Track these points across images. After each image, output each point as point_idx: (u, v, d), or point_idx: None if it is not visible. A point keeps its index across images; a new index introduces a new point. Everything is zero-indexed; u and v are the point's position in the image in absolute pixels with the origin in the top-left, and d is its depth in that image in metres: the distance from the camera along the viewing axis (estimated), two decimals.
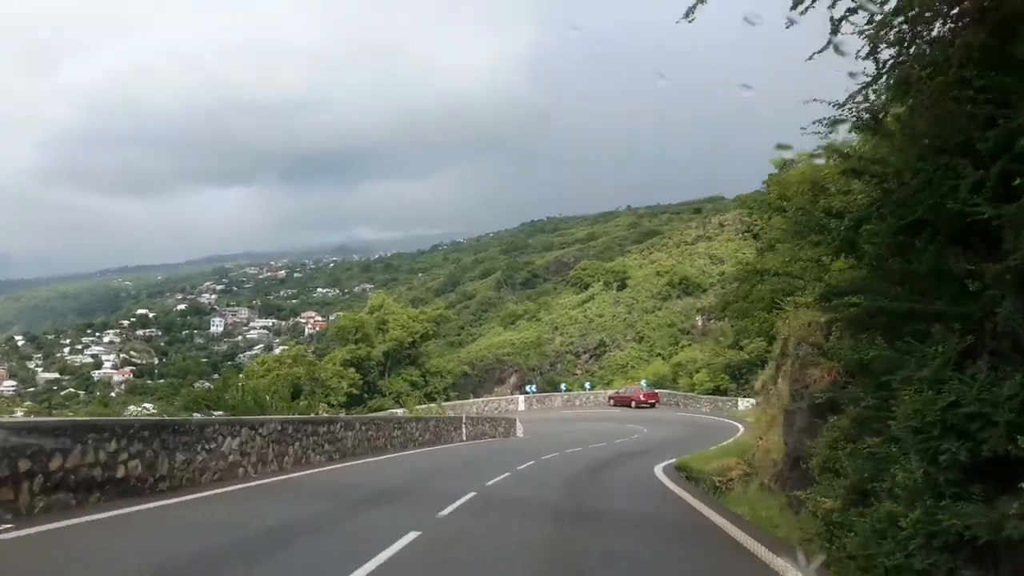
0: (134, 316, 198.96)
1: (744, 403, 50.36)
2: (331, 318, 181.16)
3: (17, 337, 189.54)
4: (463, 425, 30.78)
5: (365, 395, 63.09)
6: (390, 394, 64.43)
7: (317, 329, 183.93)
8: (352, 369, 65.64)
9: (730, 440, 34.27)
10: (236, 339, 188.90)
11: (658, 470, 21.66)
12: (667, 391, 60.94)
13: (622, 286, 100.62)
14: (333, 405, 50.78)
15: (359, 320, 74.24)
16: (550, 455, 24.62)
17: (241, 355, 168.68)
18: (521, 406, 57.75)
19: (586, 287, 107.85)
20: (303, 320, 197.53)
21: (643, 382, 63.59)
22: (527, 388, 63.62)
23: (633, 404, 56.58)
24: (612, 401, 59.20)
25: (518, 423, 39.74)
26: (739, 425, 42.93)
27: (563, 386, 66.28)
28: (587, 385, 67.29)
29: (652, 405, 56.72)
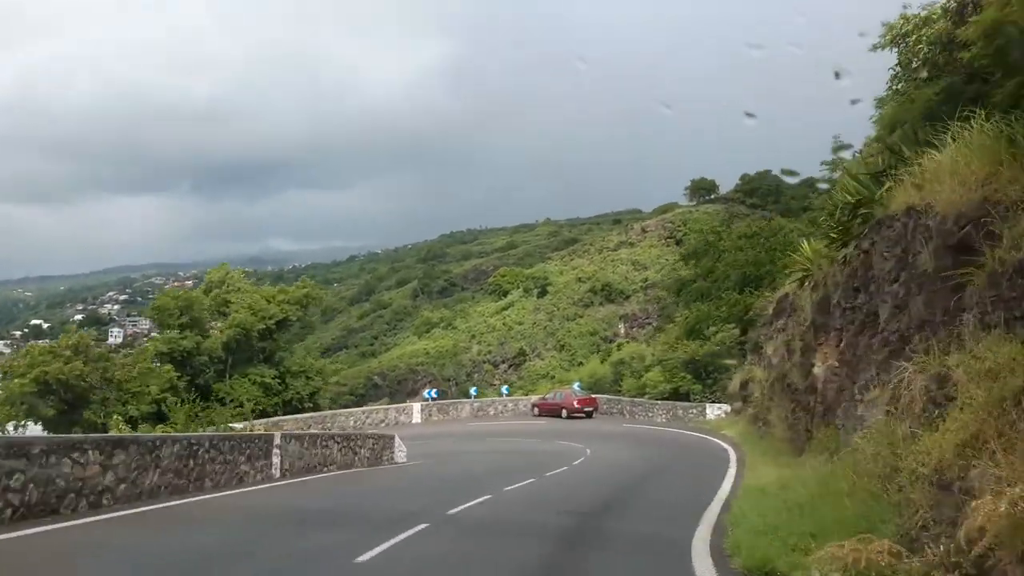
0: (27, 327, 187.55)
1: (714, 410, 37.20)
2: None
3: None
4: (275, 450, 16.04)
5: (193, 402, 45.26)
6: (232, 401, 44.48)
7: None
8: (170, 366, 46.87)
9: (730, 470, 20.77)
10: (134, 351, 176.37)
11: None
12: (608, 396, 47.73)
13: (542, 293, 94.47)
14: (132, 420, 35.71)
15: (187, 299, 54.17)
16: (405, 533, 9.79)
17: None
18: (416, 417, 43.07)
19: (505, 294, 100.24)
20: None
21: (576, 385, 50.15)
22: (426, 394, 49.25)
23: (564, 413, 43.14)
24: (537, 410, 45.69)
25: (397, 443, 25.05)
26: (720, 442, 29.13)
27: (473, 391, 51.06)
28: (504, 390, 53.35)
29: (589, 414, 43.24)
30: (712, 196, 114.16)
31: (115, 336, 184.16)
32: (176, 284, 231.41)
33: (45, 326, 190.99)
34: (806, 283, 20.49)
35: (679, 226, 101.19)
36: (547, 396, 48.28)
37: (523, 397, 51.13)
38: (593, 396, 46.67)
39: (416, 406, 43.41)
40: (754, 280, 41.30)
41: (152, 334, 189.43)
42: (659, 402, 42.34)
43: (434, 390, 48.85)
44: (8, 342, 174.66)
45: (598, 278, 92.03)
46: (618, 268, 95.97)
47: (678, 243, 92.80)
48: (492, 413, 46.47)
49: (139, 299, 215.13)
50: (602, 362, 56.19)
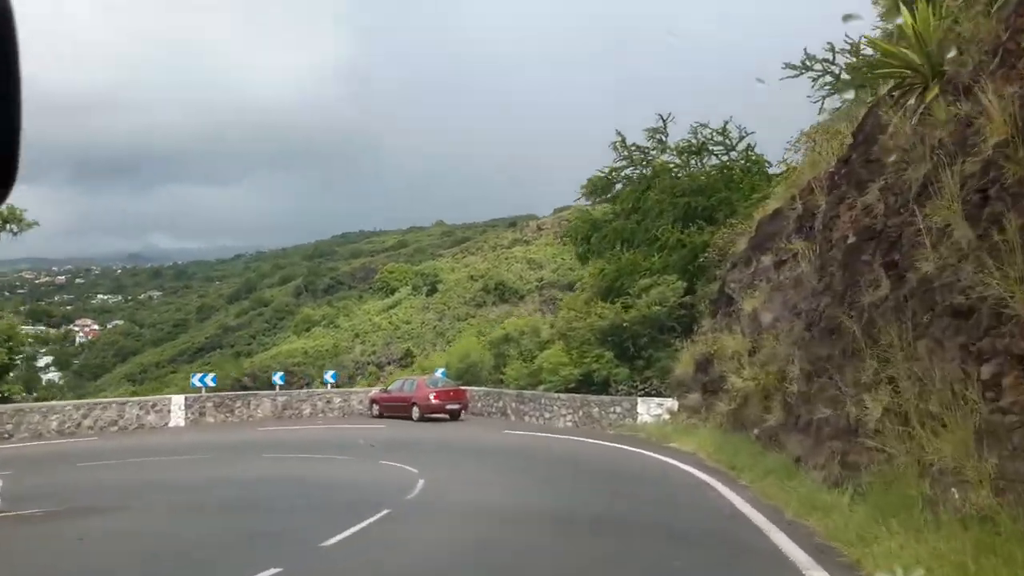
0: None
1: (650, 407, 22.28)
2: (109, 326, 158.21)
3: None
4: None
5: None
6: None
7: (90, 338, 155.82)
8: None
9: None
10: None
11: None
12: (485, 389, 32.23)
13: (432, 291, 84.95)
14: None
15: None
16: None
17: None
18: (176, 417, 27.00)
19: (392, 292, 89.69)
20: (76, 328, 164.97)
21: (440, 372, 34.16)
22: (194, 379, 31.13)
23: (416, 413, 28.45)
24: (376, 407, 30.83)
25: None
26: (687, 468, 13.97)
27: (279, 377, 33.20)
28: (331, 377, 34.68)
29: (454, 414, 28.45)
30: (610, 195, 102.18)
31: None
32: (48, 279, 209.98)
33: None
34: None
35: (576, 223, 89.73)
36: (391, 387, 31.76)
37: (361, 389, 34.93)
38: (461, 388, 30.86)
39: (178, 400, 27.21)
40: (704, 213, 27.09)
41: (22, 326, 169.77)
42: (562, 396, 26.70)
43: (208, 375, 31.50)
44: None
45: (491, 276, 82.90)
46: (512, 267, 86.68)
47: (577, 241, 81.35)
48: (307, 412, 30.57)
49: (6, 293, 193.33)
50: (478, 340, 40.78)
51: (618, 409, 23.74)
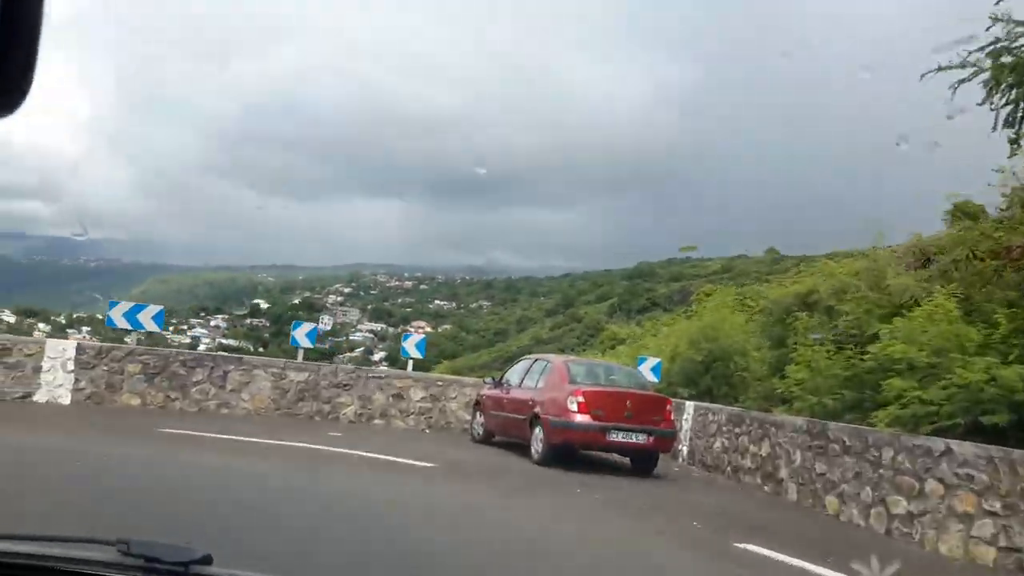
0: (248, 306, 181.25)
1: None
2: (439, 329, 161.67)
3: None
4: None
5: None
6: None
7: (421, 337, 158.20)
8: None
9: None
10: (340, 339, 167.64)
11: None
12: (715, 409, 12.48)
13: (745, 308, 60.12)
14: None
15: None
16: None
17: (340, 355, 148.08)
18: (54, 386, 11.82)
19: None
20: (411, 328, 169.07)
21: (649, 364, 15.50)
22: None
23: (540, 444, 11.20)
24: (481, 420, 13.57)
25: None
26: None
27: (320, 324, 17.88)
28: (415, 348, 16.03)
29: (644, 460, 11.30)
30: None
31: (325, 324, 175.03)
32: (397, 283, 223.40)
33: (264, 306, 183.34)
34: None
35: (939, 250, 64.83)
36: (508, 376, 13.42)
37: (471, 381, 15.39)
38: (656, 395, 12.34)
39: (64, 348, 13.05)
40: None
41: (357, 325, 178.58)
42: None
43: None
44: (227, 317, 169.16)
45: (820, 289, 57.11)
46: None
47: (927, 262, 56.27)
48: (345, 414, 13.63)
49: (361, 293, 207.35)
50: (735, 308, 17.33)
51: None
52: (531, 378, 12.34)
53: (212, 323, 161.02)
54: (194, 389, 13.62)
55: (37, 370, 12.45)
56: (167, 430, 11.18)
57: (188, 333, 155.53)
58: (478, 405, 13.70)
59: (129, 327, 13.50)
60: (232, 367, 13.89)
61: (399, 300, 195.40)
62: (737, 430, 12.18)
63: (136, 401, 13.18)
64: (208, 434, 11.14)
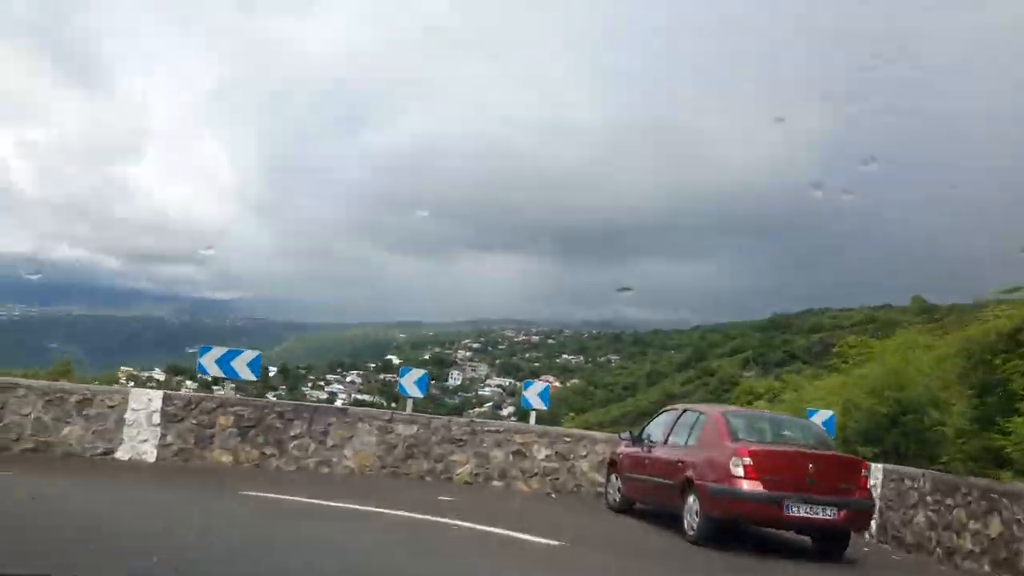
0: (380, 361, 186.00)
1: None
2: (568, 383, 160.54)
3: (272, 368, 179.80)
4: None
5: None
6: None
7: (544, 385, 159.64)
8: None
9: None
10: (469, 394, 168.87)
11: None
12: (918, 474, 9.46)
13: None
14: None
15: None
16: None
17: (470, 410, 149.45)
18: (138, 441, 10.55)
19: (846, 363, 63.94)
20: (540, 383, 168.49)
21: (820, 416, 12.54)
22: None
23: (696, 515, 8.81)
24: (617, 483, 11.23)
25: None
26: None
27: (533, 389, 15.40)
28: (537, 397, 13.51)
29: (836, 540, 8.77)
30: None
31: (454, 379, 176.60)
32: (524, 338, 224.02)
33: (396, 362, 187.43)
34: None
35: None
36: (648, 431, 11.07)
37: (603, 437, 13.05)
38: (854, 458, 9.79)
39: (151, 399, 11.06)
40: None
41: (486, 380, 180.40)
42: None
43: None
44: (360, 373, 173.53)
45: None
46: None
47: None
48: (462, 460, 11.67)
49: (489, 348, 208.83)
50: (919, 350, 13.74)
51: None
52: (679, 433, 10.03)
53: (348, 379, 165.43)
54: (292, 444, 12.04)
55: (120, 423, 11.17)
56: (251, 492, 9.54)
57: (325, 389, 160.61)
58: (613, 465, 11.46)
59: (222, 375, 12.12)
60: (333, 420, 12.24)
61: (527, 355, 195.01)
62: (949, 501, 9.42)
63: (228, 458, 11.69)
64: (296, 498, 9.41)
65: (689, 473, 9.19)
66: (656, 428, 10.86)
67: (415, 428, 12.58)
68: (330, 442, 12.20)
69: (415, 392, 13.46)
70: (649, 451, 10.52)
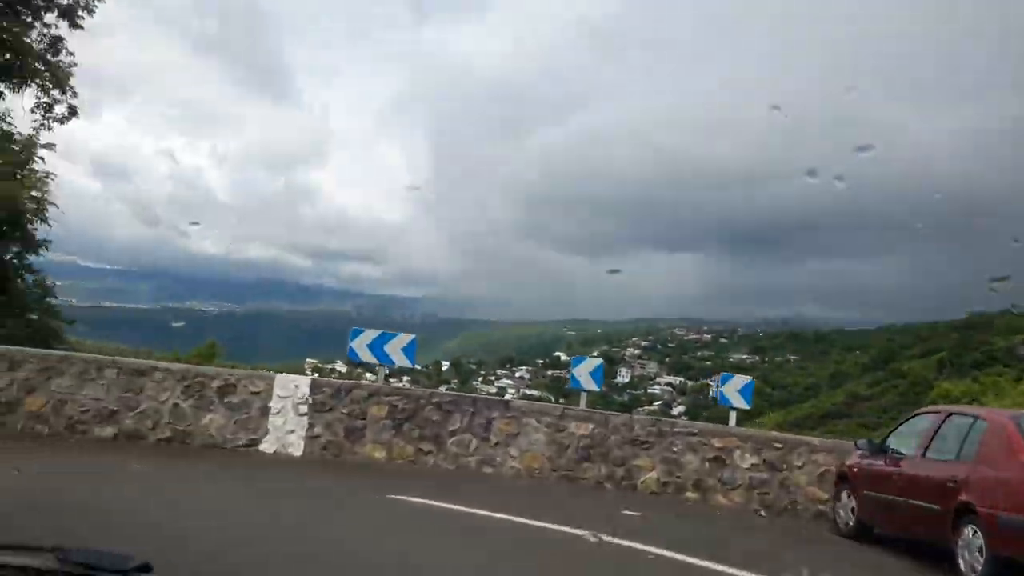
0: (548, 358, 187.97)
1: None
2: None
3: (444, 363, 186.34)
4: None
5: None
6: None
7: (748, 380, 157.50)
8: None
9: None
10: (638, 392, 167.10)
11: None
12: None
13: None
14: None
15: None
16: None
17: (638, 409, 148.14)
18: (283, 432, 9.44)
19: None
20: (711, 383, 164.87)
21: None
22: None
23: (980, 555, 6.32)
24: (852, 504, 8.74)
25: None
26: None
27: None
28: (727, 388, 12.17)
29: None
30: None
31: (623, 376, 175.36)
32: (695, 336, 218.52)
33: (563, 358, 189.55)
34: None
35: None
36: (891, 441, 8.64)
37: (816, 444, 10.48)
38: None
39: (297, 385, 9.61)
40: None
41: (656, 378, 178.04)
42: None
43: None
44: (529, 368, 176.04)
45: None
46: None
47: None
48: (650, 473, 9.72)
49: (658, 346, 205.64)
50: None
51: None
52: (945, 444, 7.56)
53: (517, 374, 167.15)
54: (451, 440, 10.48)
55: (265, 412, 10.01)
56: (399, 497, 7.99)
57: (495, 383, 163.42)
58: (845, 481, 9.04)
59: (375, 361, 10.75)
60: (496, 414, 10.58)
61: (698, 353, 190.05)
62: None
63: (381, 453, 10.29)
64: (453, 506, 7.78)
65: (966, 497, 6.74)
66: (907, 436, 8.38)
67: (591, 426, 10.69)
68: (493, 439, 10.55)
69: (590, 385, 11.58)
70: (897, 465, 8.09)
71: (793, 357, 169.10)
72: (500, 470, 10.44)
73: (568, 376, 12.29)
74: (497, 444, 10.53)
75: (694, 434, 10.97)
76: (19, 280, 15.76)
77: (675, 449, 10.71)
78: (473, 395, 12.66)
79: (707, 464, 10.66)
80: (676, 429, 11.02)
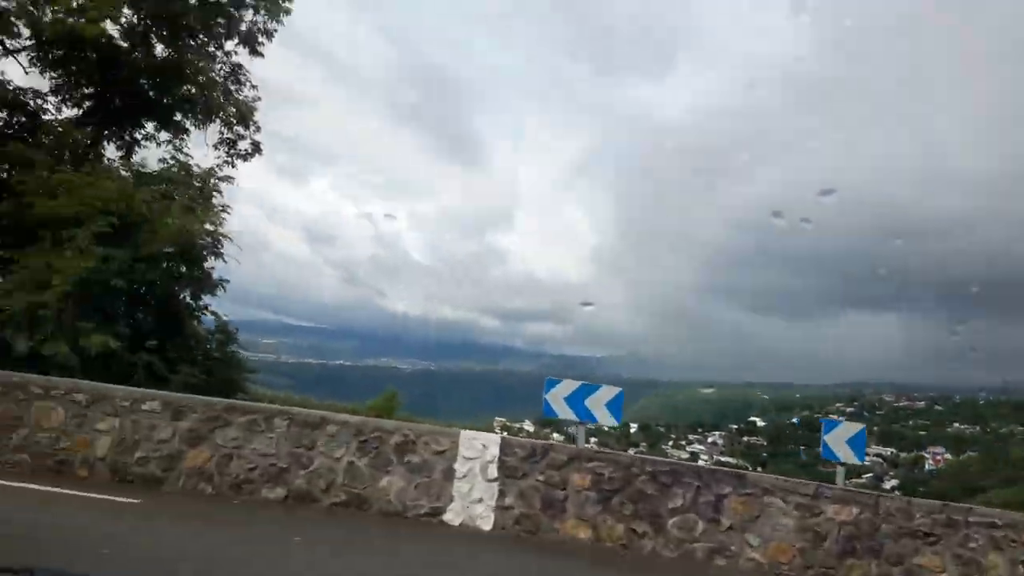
0: (744, 423, 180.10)
1: None
2: (962, 457, 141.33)
3: (632, 425, 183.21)
4: None
5: None
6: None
7: (937, 466, 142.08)
8: None
9: None
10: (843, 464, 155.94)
11: None
12: None
13: None
14: None
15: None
16: None
17: (844, 481, 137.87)
18: (469, 500, 7.49)
19: None
20: (926, 455, 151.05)
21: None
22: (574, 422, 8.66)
23: None
24: None
25: None
26: None
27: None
28: None
29: None
30: None
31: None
32: (906, 403, 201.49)
33: (760, 423, 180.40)
34: None
35: None
36: None
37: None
38: None
39: (485, 445, 8.02)
40: None
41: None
42: None
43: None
44: (723, 434, 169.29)
45: None
46: None
47: None
48: None
49: (864, 413, 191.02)
50: None
51: None
52: None
53: (709, 439, 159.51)
54: (671, 521, 8.40)
55: (449, 476, 8.41)
56: None
57: (687, 448, 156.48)
58: None
59: (573, 417, 8.92)
60: (729, 490, 8.40)
61: (910, 422, 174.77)
62: None
63: (585, 533, 8.38)
64: None
65: None
66: None
67: (854, 510, 8.25)
68: (726, 521, 8.36)
69: (849, 456, 9.14)
70: None
71: (1020, 428, 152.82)
72: (736, 562, 8.21)
73: (792, 452, 9.94)
74: (731, 528, 8.32)
75: (996, 525, 8.23)
76: (195, 322, 15.31)
77: (972, 545, 8.03)
78: (697, 464, 10.50)
79: (1021, 568, 7.89)
80: (971, 519, 8.31)
